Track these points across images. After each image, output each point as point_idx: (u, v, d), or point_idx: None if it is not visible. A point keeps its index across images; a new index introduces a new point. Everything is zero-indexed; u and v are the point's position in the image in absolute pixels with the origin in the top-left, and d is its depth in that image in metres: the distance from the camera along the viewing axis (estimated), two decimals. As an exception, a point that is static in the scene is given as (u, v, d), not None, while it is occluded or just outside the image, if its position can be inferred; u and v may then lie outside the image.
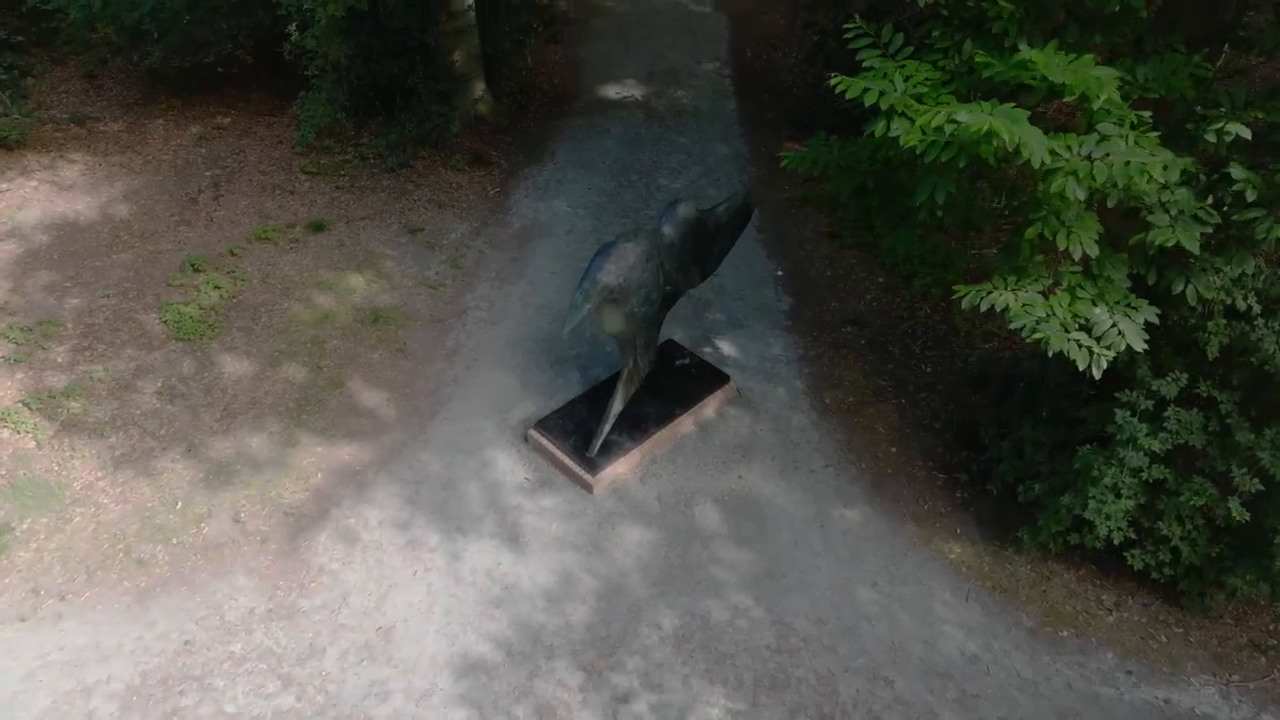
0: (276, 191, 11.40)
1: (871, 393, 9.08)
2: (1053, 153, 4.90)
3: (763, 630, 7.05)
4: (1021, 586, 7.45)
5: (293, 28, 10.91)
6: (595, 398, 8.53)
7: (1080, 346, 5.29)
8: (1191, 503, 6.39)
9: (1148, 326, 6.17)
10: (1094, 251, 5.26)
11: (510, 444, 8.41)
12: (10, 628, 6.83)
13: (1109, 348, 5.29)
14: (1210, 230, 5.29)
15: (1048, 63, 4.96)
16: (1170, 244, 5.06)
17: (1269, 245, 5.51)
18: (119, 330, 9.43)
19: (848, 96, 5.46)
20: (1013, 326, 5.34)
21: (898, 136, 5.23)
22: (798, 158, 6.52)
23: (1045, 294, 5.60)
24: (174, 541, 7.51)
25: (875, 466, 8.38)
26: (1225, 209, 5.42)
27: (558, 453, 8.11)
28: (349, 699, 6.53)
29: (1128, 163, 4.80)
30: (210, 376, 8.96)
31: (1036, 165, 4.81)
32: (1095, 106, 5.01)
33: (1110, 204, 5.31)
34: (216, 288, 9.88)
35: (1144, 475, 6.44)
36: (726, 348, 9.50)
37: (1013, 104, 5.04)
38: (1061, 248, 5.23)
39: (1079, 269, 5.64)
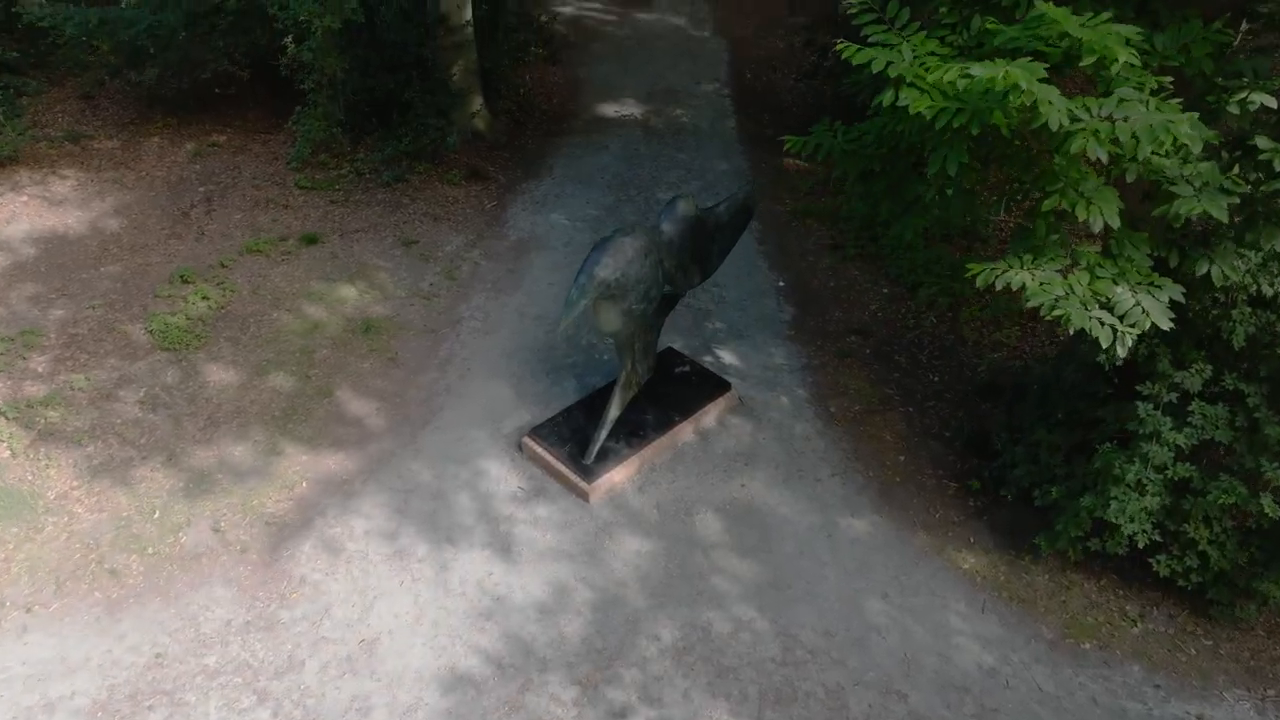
0: (270, 206, 11.23)
1: (878, 401, 8.78)
2: (1071, 115, 4.66)
3: (767, 642, 6.67)
4: (1040, 597, 7.07)
5: (289, 40, 10.83)
6: (592, 405, 8.24)
7: (1103, 325, 5.00)
8: (1220, 501, 6.05)
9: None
10: (1115, 222, 5.00)
11: (504, 453, 8.09)
12: (-28, 640, 6.48)
13: (1133, 326, 5.00)
14: (1238, 201, 5.03)
15: (1066, 16, 4.72)
16: (1196, 213, 4.81)
17: None
18: (103, 341, 9.18)
19: (854, 63, 5.25)
20: (1029, 305, 5.06)
21: (907, 108, 5.01)
22: (800, 141, 6.30)
23: (1063, 273, 5.33)
24: (149, 551, 7.16)
25: (883, 475, 8.05)
26: (1251, 182, 5.17)
27: (553, 460, 7.80)
28: (329, 714, 6.14)
29: (1151, 124, 4.55)
30: (195, 386, 8.68)
31: (1055, 127, 4.57)
32: (1114, 71, 4.79)
33: (1130, 178, 5.07)
34: (205, 298, 9.65)
35: (1168, 473, 6.11)
36: (727, 357, 9.22)
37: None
38: (1081, 218, 4.97)
39: (1097, 249, 5.38)
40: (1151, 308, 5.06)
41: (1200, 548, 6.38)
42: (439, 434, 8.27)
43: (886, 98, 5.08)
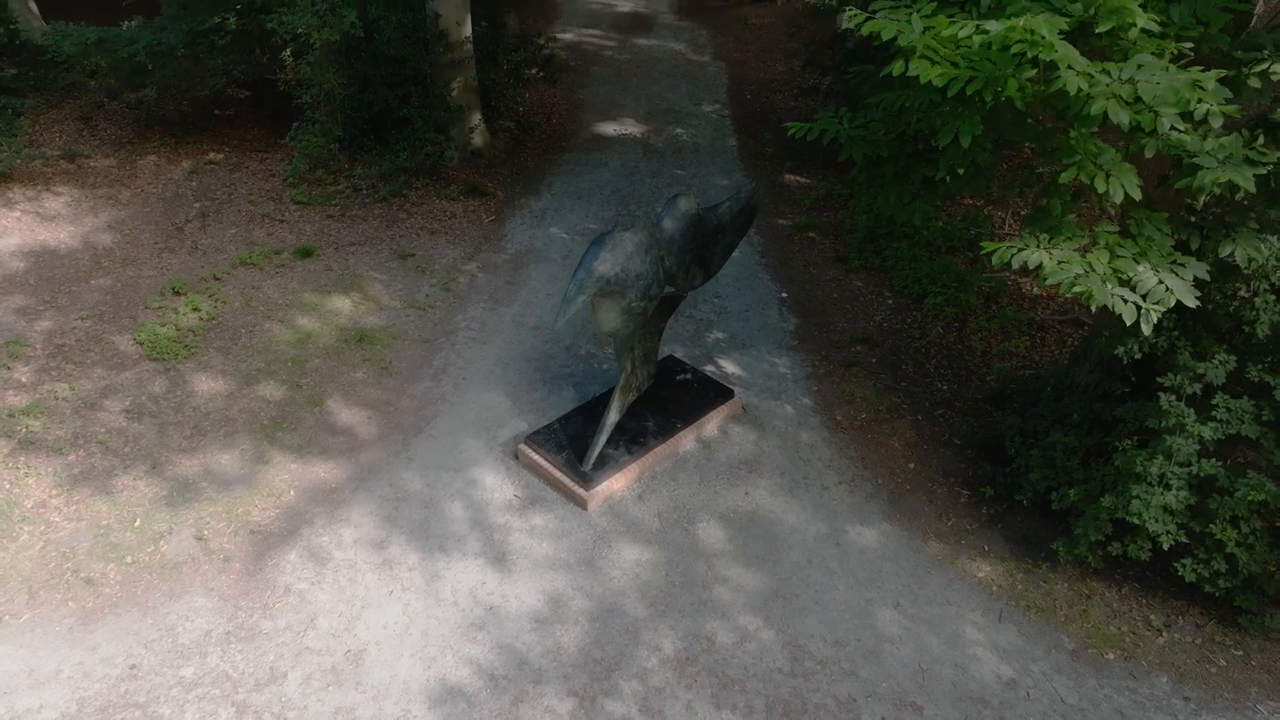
0: (265, 220, 11.09)
1: (885, 410, 8.52)
2: (1089, 78, 4.48)
3: (774, 653, 6.34)
4: (1059, 606, 6.74)
5: (287, 53, 10.78)
6: (590, 412, 7.98)
7: (1125, 302, 4.77)
8: (1249, 499, 5.76)
9: (1186, 308, 5.69)
10: (1136, 194, 4.79)
11: (499, 461, 7.82)
12: (-63, 650, 6.15)
13: (1157, 303, 4.77)
14: (1265, 171, 4.82)
15: None
16: (1221, 183, 4.60)
17: None
18: (89, 351, 8.96)
19: (863, 33, 5.08)
20: (1047, 283, 4.83)
21: (917, 83, 4.83)
22: (804, 126, 6.13)
23: (1081, 252, 5.11)
24: (128, 560, 6.86)
25: (892, 483, 7.76)
26: (1275, 163, 4.97)
27: (549, 467, 7.52)
28: (310, 728, 5.80)
29: (1175, 83, 4.35)
30: (182, 395, 8.43)
31: (1073, 91, 4.39)
32: (1132, 36, 4.62)
33: (1149, 153, 4.87)
34: (195, 309, 9.44)
35: (1193, 469, 5.84)
36: (730, 366, 8.98)
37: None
38: (1101, 190, 4.76)
39: (1116, 229, 5.17)
40: (1176, 286, 4.83)
41: (1228, 549, 6.07)
42: (432, 442, 8.00)
43: (896, 67, 4.91)
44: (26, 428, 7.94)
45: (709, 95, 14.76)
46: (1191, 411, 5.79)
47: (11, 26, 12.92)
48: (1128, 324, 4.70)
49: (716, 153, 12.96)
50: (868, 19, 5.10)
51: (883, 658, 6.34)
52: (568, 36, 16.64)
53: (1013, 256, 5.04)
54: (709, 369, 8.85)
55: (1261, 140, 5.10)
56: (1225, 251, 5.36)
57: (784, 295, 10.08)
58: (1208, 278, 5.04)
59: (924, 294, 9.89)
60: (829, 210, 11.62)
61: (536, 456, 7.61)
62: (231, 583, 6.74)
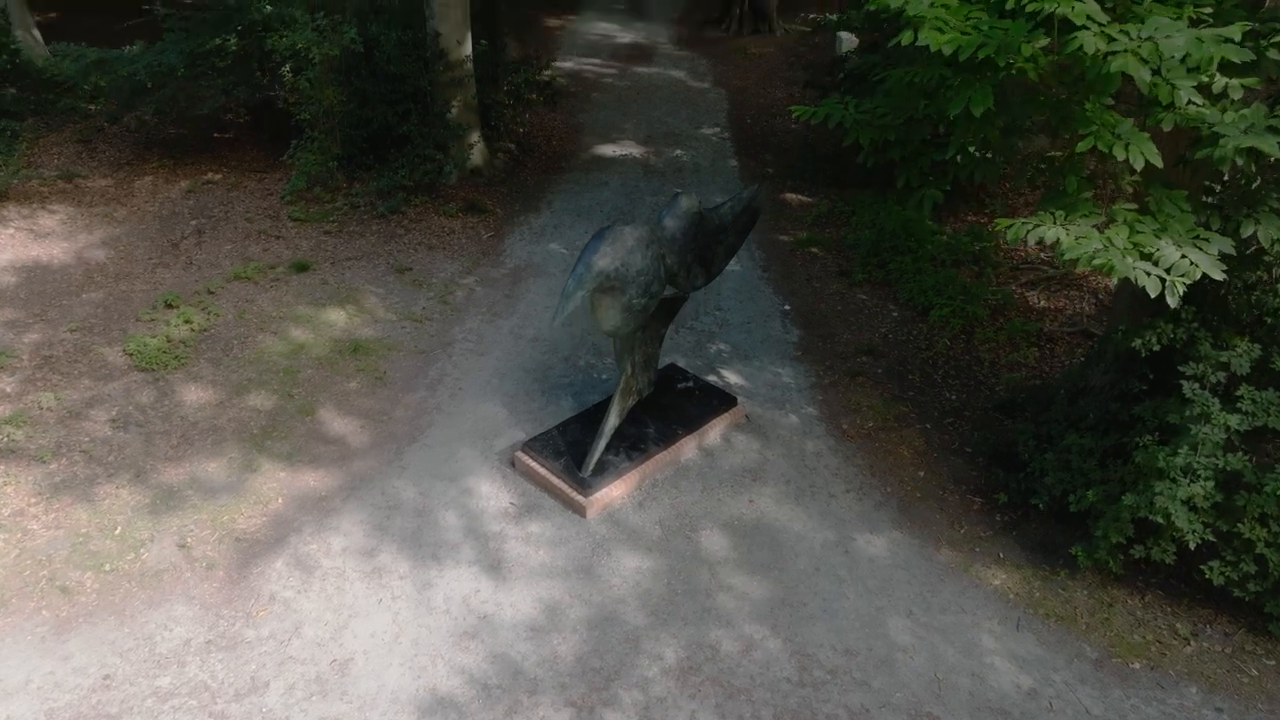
0: (262, 237, 10.96)
1: (893, 419, 8.28)
2: (1108, 38, 4.33)
3: (782, 662, 6.02)
4: (1080, 614, 6.44)
5: (286, 69, 10.75)
6: (589, 419, 7.75)
7: (1149, 275, 4.57)
8: (1279, 494, 5.50)
9: (1205, 300, 5.50)
10: (1157, 160, 4.62)
11: (495, 470, 7.57)
12: (-99, 659, 5.85)
13: (1182, 276, 4.56)
14: (1289, 140, 4.65)
15: None
16: (1245, 148, 4.42)
17: None
18: (77, 362, 8.76)
19: (871, 7, 4.96)
20: (1065, 258, 4.64)
21: (923, 66, 4.70)
22: (809, 110, 5.98)
23: (1099, 229, 4.93)
24: (106, 568, 6.58)
25: (902, 491, 7.50)
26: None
27: (547, 474, 7.27)
28: (291, 739, 5.47)
29: (1199, 36, 4.19)
30: (170, 404, 8.21)
31: (1090, 50, 4.24)
32: (1147, 4, 4.49)
33: (1167, 127, 4.72)
34: (187, 321, 9.26)
35: (1220, 463, 5.59)
36: (733, 377, 8.76)
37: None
38: (1120, 158, 4.59)
39: (1134, 207, 4.99)
40: (1200, 260, 4.64)
41: (1257, 550, 5.79)
42: (426, 451, 7.75)
43: (905, 37, 4.77)
44: (8, 436, 7.71)
45: (709, 119, 14.76)
46: (1217, 401, 5.56)
47: (13, 47, 12.93)
48: (1152, 295, 4.49)
49: (717, 173, 12.89)
50: (877, -8, 4.99)
51: (896, 667, 6.03)
52: (568, 65, 16.71)
53: (1028, 233, 4.86)
54: (711, 379, 8.63)
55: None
56: (1248, 232, 5.18)
57: (787, 308, 9.90)
58: (1233, 252, 4.85)
59: (929, 306, 9.71)
60: (831, 227, 11.50)
61: (534, 463, 7.36)
62: (214, 591, 6.45)
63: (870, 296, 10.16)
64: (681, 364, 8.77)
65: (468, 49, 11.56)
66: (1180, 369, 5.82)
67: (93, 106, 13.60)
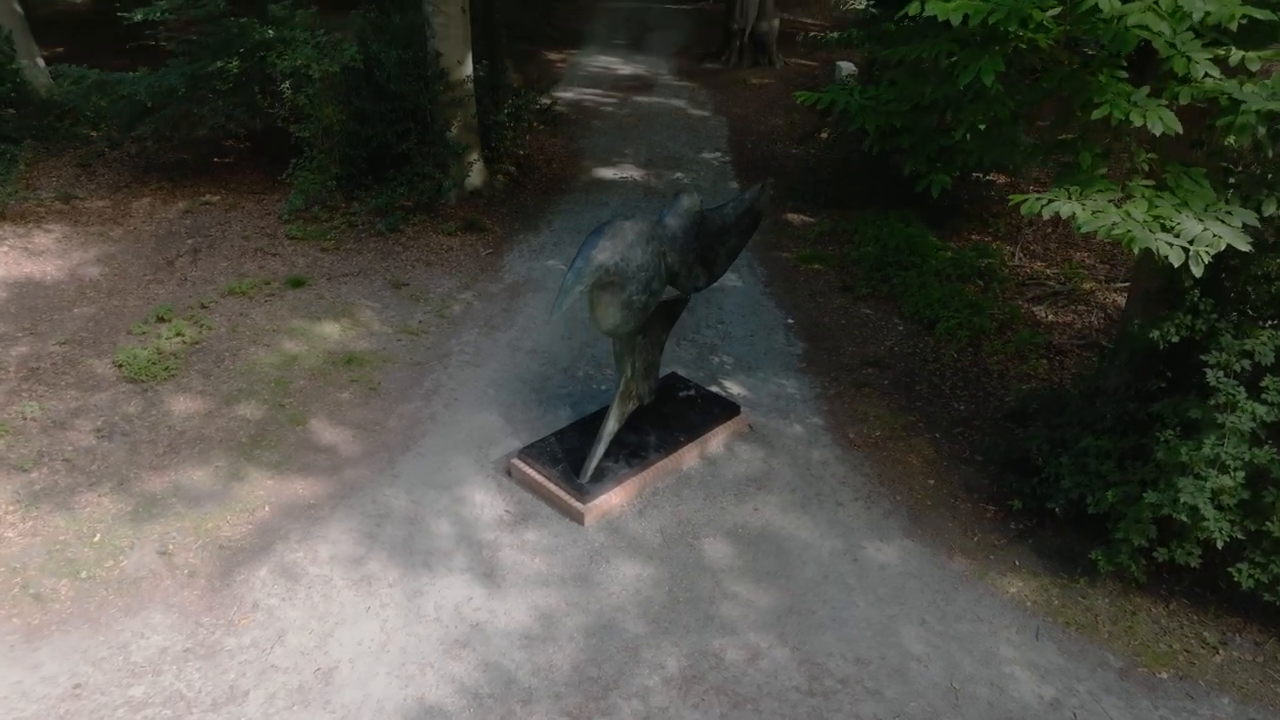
0: (258, 254, 10.83)
1: (901, 428, 8.04)
2: (1124, -1, 4.21)
3: (789, 671, 5.71)
4: (1101, 623, 6.13)
5: (286, 85, 10.73)
6: (587, 428, 7.52)
7: (1171, 246, 4.37)
8: (1307, 486, 5.25)
9: (1223, 291, 5.31)
10: (1176, 126, 4.46)
11: (490, 478, 7.32)
12: None
13: (1207, 247, 4.37)
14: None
15: None
16: (1265, 112, 4.26)
17: None
18: (64, 374, 8.56)
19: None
20: (1082, 231, 4.45)
21: (931, 39, 4.58)
22: (814, 95, 5.84)
23: (1116, 204, 4.75)
24: (83, 575, 6.30)
25: (912, 499, 7.23)
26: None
27: (544, 481, 7.02)
28: (269, 750, 5.16)
29: None
30: (157, 414, 7.99)
31: (1106, 9, 4.10)
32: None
33: (1183, 100, 4.57)
34: (179, 334, 9.08)
35: (1247, 455, 5.34)
36: (736, 388, 8.54)
37: None
38: (1138, 123, 4.43)
39: (1151, 183, 4.82)
40: (1223, 231, 4.45)
41: (1288, 549, 5.52)
42: (419, 460, 7.51)
43: (913, 8, 4.66)
44: (-11, 445, 7.49)
45: (709, 144, 14.74)
46: (1243, 389, 5.33)
47: (17, 74, 12.95)
48: (1175, 265, 4.30)
49: (717, 194, 12.79)
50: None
51: (910, 676, 5.71)
52: (568, 95, 16.76)
53: (1042, 208, 4.68)
54: (713, 390, 8.40)
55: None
56: (1269, 210, 5.00)
57: (790, 321, 9.71)
58: (1257, 224, 4.66)
59: (935, 319, 9.52)
60: (833, 244, 11.37)
61: (530, 470, 7.12)
62: (194, 599, 6.16)
63: (874, 310, 9.98)
64: (683, 374, 8.55)
65: (468, 69, 11.56)
66: (1203, 358, 5.59)
67: (94, 133, 13.60)
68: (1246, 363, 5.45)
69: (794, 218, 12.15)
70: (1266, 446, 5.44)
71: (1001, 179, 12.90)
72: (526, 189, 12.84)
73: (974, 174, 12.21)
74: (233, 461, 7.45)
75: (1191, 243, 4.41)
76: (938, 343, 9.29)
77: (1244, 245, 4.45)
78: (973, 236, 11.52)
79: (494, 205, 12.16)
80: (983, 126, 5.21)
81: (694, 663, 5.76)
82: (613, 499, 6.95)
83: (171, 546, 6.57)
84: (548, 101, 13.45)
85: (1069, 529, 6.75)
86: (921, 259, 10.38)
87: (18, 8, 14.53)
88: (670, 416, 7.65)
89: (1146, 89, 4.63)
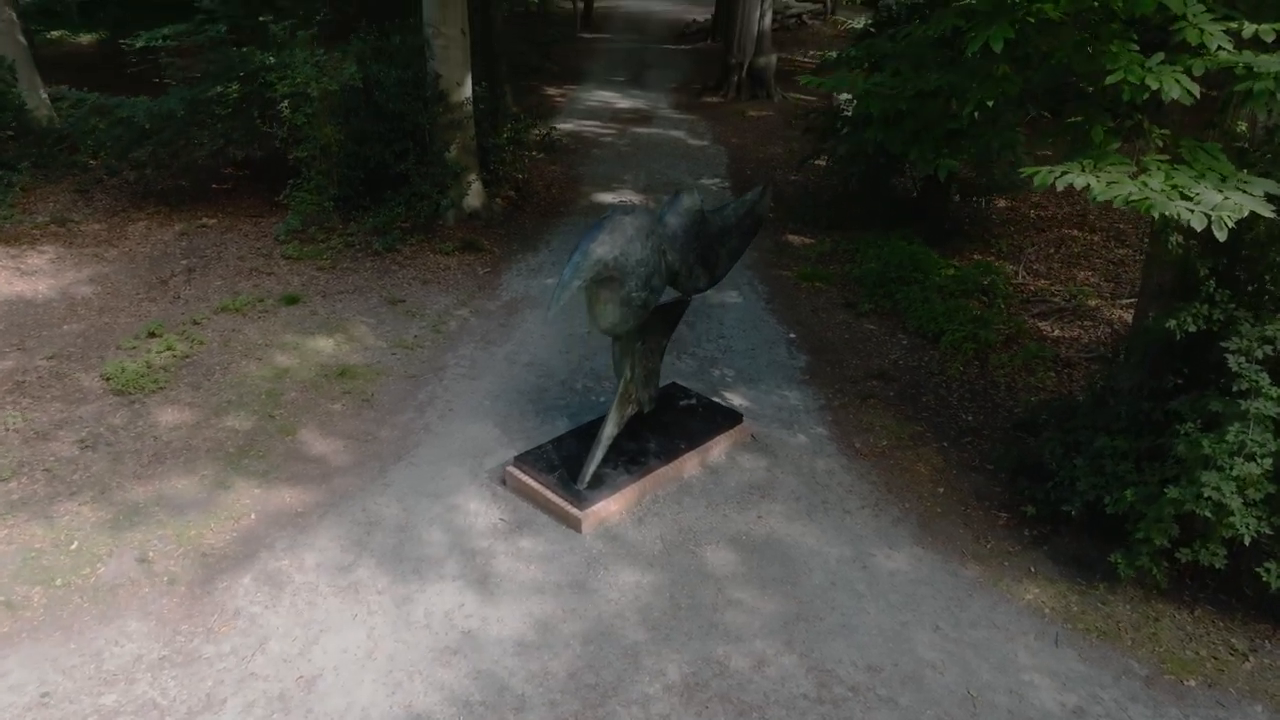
0: (253, 273, 10.70)
1: (908, 437, 7.82)
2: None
3: (798, 679, 5.42)
4: (1123, 629, 5.85)
5: (284, 104, 10.71)
6: (584, 435, 7.29)
7: (1192, 212, 4.21)
8: (1335, 477, 5.02)
9: (1237, 282, 5.15)
10: (1194, 89, 4.33)
11: (484, 487, 7.07)
12: None
13: (1230, 213, 4.21)
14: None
15: None
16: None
17: None
18: (50, 387, 8.36)
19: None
20: (1097, 200, 4.29)
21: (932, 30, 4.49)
22: (819, 80, 5.74)
23: (1131, 177, 4.60)
24: (57, 583, 6.03)
25: (921, 507, 6.98)
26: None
27: (540, 488, 6.78)
28: (246, 759, 4.85)
29: None
30: (143, 425, 7.77)
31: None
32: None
33: (1197, 72, 4.46)
34: (169, 348, 8.90)
35: (1271, 446, 5.12)
36: (737, 399, 8.34)
37: None
38: (1154, 86, 4.30)
39: (1166, 158, 4.69)
40: (1245, 200, 4.30)
41: (1317, 546, 5.27)
42: (412, 469, 7.28)
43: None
44: (-32, 455, 7.26)
45: (709, 171, 14.74)
46: (1266, 375, 5.14)
47: (14, 94, 12.98)
48: (1198, 230, 4.13)
49: (718, 217, 12.72)
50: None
51: (925, 684, 5.42)
52: (568, 126, 16.83)
53: (1056, 180, 4.54)
54: (714, 400, 8.19)
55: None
56: (1289, 190, 4.85)
57: (792, 336, 9.55)
58: (1279, 193, 4.51)
59: (940, 333, 9.35)
60: (834, 263, 11.26)
61: (526, 477, 6.88)
62: (173, 606, 5.89)
63: (878, 326, 9.82)
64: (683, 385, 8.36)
65: (468, 91, 11.56)
66: (1223, 345, 5.40)
67: (93, 160, 13.60)
68: (1269, 349, 5.27)
69: (794, 239, 12.06)
70: (1289, 438, 5.23)
71: (1002, 202, 12.87)
72: (525, 212, 12.77)
73: (975, 198, 12.19)
74: (219, 471, 7.21)
75: (1214, 209, 4.26)
76: (943, 356, 9.11)
77: (1268, 211, 4.29)
78: (975, 256, 11.41)
79: (492, 227, 12.08)
80: (990, 104, 5.09)
81: (697, 670, 5.47)
82: (611, 506, 6.70)
83: (151, 554, 6.31)
84: (545, 131, 13.46)
85: (1085, 534, 6.49)
86: (924, 275, 10.25)
87: (21, 39, 14.64)
88: (671, 424, 7.44)
89: (1160, 55, 4.52)
